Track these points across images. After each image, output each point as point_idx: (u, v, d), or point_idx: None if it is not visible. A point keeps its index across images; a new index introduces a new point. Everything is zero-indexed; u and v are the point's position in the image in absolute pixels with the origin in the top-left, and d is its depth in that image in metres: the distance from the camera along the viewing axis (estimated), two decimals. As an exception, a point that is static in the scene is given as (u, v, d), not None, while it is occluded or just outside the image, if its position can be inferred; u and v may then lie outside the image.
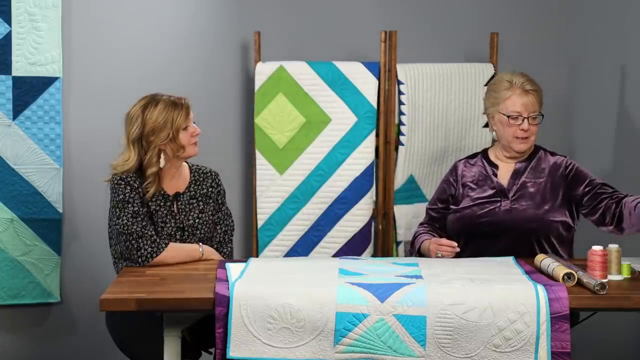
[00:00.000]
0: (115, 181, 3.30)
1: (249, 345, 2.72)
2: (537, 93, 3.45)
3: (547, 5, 4.53)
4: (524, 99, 3.43)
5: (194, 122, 3.39)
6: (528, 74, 3.51)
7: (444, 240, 3.33)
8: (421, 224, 3.61)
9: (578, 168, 3.45)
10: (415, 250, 3.50)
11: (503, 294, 2.75)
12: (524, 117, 3.42)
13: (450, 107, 4.22)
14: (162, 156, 3.33)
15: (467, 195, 3.51)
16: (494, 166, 3.52)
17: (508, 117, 3.43)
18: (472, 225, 3.44)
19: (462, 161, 3.61)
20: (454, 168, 3.60)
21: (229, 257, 3.48)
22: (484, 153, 3.58)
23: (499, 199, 3.44)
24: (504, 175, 3.49)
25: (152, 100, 3.34)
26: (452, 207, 3.53)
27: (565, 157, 3.51)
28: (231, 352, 2.72)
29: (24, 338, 4.20)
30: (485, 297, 2.74)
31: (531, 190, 3.43)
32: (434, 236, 3.48)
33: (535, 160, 3.49)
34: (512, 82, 3.45)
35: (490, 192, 3.47)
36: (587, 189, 3.39)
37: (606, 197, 3.35)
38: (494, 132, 3.53)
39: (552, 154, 3.52)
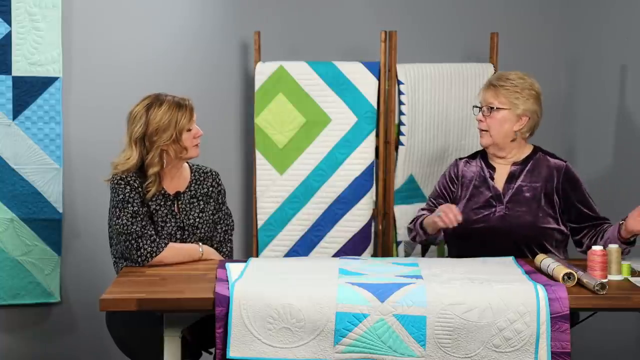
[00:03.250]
0: (115, 181, 3.29)
1: (249, 345, 2.72)
2: (505, 88, 3.39)
3: (547, 6, 4.53)
4: (485, 93, 3.44)
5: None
6: (524, 73, 3.46)
7: (449, 209, 3.27)
8: (422, 209, 3.60)
9: (577, 180, 3.41)
10: (417, 229, 3.47)
11: (503, 294, 2.75)
12: (480, 109, 3.44)
13: (450, 107, 4.21)
14: (164, 157, 3.32)
15: (464, 197, 3.50)
16: (492, 168, 3.50)
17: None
18: (467, 230, 3.41)
19: (463, 160, 3.59)
20: (455, 164, 3.58)
21: (229, 257, 3.48)
22: (484, 154, 3.56)
23: (494, 203, 3.43)
24: (500, 179, 3.46)
25: (156, 100, 3.32)
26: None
27: (565, 162, 3.45)
28: (231, 352, 2.73)
29: (24, 338, 4.20)
30: (485, 297, 2.74)
31: (527, 195, 3.41)
32: None
33: (532, 163, 3.45)
34: (490, 79, 3.47)
35: (486, 196, 3.45)
36: (578, 205, 3.37)
37: (590, 226, 3.36)
38: None
39: (553, 156, 3.48)
